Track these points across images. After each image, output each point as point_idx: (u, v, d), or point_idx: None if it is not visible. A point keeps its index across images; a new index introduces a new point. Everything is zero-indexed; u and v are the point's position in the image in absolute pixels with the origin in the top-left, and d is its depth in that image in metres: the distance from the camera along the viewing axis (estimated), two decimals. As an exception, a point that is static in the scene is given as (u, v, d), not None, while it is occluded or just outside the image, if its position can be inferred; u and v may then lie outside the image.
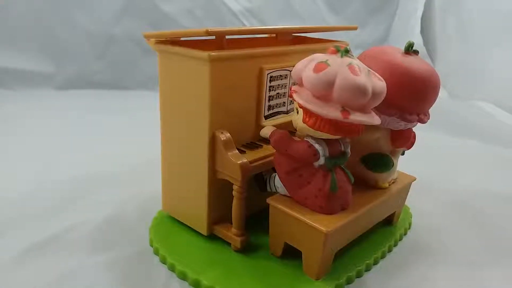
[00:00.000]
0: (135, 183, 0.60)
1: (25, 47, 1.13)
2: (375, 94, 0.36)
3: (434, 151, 0.79)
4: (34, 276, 0.41)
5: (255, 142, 0.45)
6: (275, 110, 0.47)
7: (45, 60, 1.14)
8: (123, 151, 0.71)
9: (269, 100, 0.46)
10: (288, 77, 0.47)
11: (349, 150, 0.41)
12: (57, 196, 0.56)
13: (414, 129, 0.46)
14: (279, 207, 0.41)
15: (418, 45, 0.40)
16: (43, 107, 0.99)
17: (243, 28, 0.42)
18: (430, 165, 0.71)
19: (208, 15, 1.24)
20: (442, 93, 1.22)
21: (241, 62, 0.42)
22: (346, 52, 0.37)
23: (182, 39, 0.45)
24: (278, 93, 0.47)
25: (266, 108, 0.46)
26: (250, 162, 0.41)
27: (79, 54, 1.16)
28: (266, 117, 0.46)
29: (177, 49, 0.41)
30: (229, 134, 0.41)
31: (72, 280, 0.40)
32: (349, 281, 0.42)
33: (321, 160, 0.39)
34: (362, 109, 0.37)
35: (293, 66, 0.38)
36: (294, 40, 0.55)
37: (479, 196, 0.62)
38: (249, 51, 0.42)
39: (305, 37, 0.56)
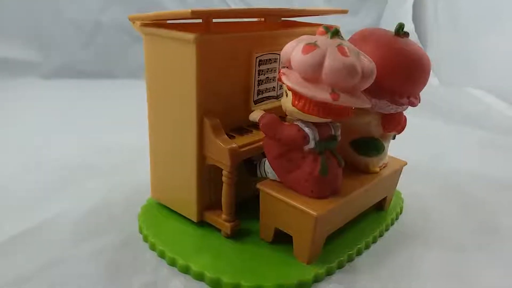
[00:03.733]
0: (124, 171, 0.59)
1: (11, 35, 1.10)
2: (365, 76, 0.35)
3: (425, 136, 0.79)
4: (20, 263, 0.40)
5: (245, 127, 0.44)
6: (265, 94, 0.46)
7: (31, 49, 1.12)
8: (111, 140, 0.70)
9: (258, 84, 0.45)
10: (278, 61, 0.46)
11: (339, 134, 0.40)
12: (44, 184, 0.55)
13: (405, 114, 0.45)
14: (269, 192, 0.40)
15: (410, 31, 0.40)
16: (30, 96, 0.97)
17: (230, 8, 0.41)
18: (421, 150, 0.71)
19: (197, 1, 1.22)
20: (433, 80, 1.23)
21: (229, 45, 0.41)
22: (335, 33, 0.36)
23: (168, 22, 0.44)
24: (268, 77, 0.46)
25: (256, 92, 0.45)
26: (240, 147, 0.41)
27: (66, 42, 1.14)
28: (256, 102, 0.46)
29: (162, 31, 0.40)
30: (217, 119, 0.41)
31: (61, 268, 0.40)
32: (340, 265, 0.41)
33: (311, 144, 0.38)
34: (352, 92, 0.36)
35: (283, 50, 0.38)
36: (283, 24, 0.54)
37: (470, 181, 0.62)
38: (237, 34, 0.42)
39: (294, 21, 0.55)
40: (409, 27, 1.35)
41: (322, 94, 0.35)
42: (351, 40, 0.43)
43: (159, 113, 0.44)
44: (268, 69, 0.45)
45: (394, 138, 0.48)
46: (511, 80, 1.07)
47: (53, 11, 1.12)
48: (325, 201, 0.39)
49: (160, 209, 0.48)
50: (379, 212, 0.50)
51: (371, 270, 0.42)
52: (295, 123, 0.39)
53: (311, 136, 0.38)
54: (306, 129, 0.38)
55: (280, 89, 0.48)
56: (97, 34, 1.16)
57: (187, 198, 0.44)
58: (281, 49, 0.38)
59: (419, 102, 0.43)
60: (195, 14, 0.36)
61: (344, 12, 0.52)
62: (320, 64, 0.34)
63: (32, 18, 1.11)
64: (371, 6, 1.47)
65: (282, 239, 0.42)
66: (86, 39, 1.15)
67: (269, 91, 0.47)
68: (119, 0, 1.16)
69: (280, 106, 0.40)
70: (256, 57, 0.44)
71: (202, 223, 0.45)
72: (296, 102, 0.36)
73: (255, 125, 0.43)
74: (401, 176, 0.51)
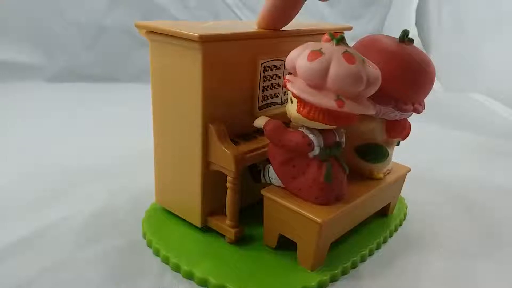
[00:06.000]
0: (127, 175, 0.59)
1: (16, 39, 1.11)
2: (370, 83, 0.36)
3: (429, 142, 0.79)
4: (24, 267, 0.40)
5: (249, 133, 0.44)
6: (269, 101, 0.47)
7: (35, 52, 1.12)
8: (114, 144, 0.70)
9: (263, 90, 0.45)
10: (283, 67, 0.46)
11: (344, 140, 0.40)
12: (48, 188, 0.55)
13: (409, 121, 0.45)
14: (274, 198, 0.40)
15: (413, 36, 0.40)
16: (33, 99, 0.97)
17: (237, 32, 0.41)
18: (425, 156, 0.71)
19: (200, 5, 1.23)
20: (436, 85, 1.23)
21: (234, 52, 0.41)
22: (341, 40, 0.36)
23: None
24: (272, 83, 0.46)
25: (260, 98, 0.45)
26: (244, 153, 0.41)
27: (70, 46, 1.14)
28: (260, 108, 0.46)
29: (168, 37, 0.40)
30: (222, 125, 0.41)
31: (63, 272, 0.40)
32: (344, 272, 0.41)
33: (316, 151, 0.38)
34: (357, 98, 0.36)
35: (288, 56, 0.38)
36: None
37: (474, 187, 0.62)
38: (243, 40, 0.42)
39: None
40: (412, 32, 1.35)
41: (327, 101, 0.35)
42: (356, 46, 0.43)
43: (164, 118, 0.44)
44: (273, 75, 0.46)
45: (398, 144, 0.48)
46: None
47: (57, 14, 1.12)
48: (329, 207, 0.39)
49: (164, 214, 0.48)
50: (383, 218, 0.50)
51: (375, 276, 0.42)
52: (300, 129, 0.39)
53: (315, 143, 0.38)
54: (311, 136, 0.38)
55: (284, 95, 0.48)
56: (100, 38, 1.16)
57: (191, 204, 0.44)
58: (286, 56, 0.38)
59: (424, 108, 0.43)
60: (202, 38, 0.36)
61: (348, 29, 0.52)
62: (325, 71, 0.34)
63: (36, 21, 1.11)
64: (374, 11, 1.47)
65: (286, 246, 0.42)
66: (90, 43, 1.16)
67: (274, 97, 0.47)
68: (123, 3, 1.16)
69: (285, 112, 0.40)
70: (261, 63, 0.44)
71: (206, 229, 0.45)
72: (301, 109, 0.36)
73: (260, 131, 0.43)
74: (405, 182, 0.50)
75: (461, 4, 1.31)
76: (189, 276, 0.39)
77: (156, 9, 1.18)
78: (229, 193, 0.42)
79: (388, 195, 0.49)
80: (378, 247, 0.46)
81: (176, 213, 0.47)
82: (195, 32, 0.37)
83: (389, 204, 0.50)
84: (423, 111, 0.43)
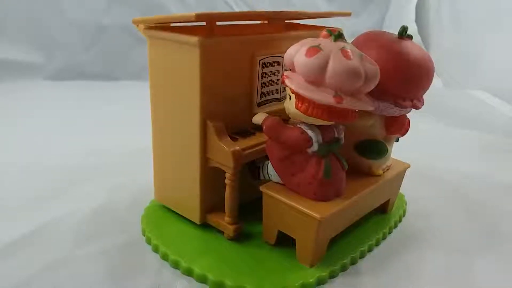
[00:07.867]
0: (127, 173, 0.59)
1: (14, 37, 1.11)
2: (368, 79, 0.35)
3: (428, 138, 0.79)
4: (23, 265, 0.40)
5: (248, 130, 0.44)
6: (268, 97, 0.46)
7: (34, 51, 1.12)
8: (114, 142, 0.70)
9: (261, 87, 0.45)
10: (281, 63, 0.46)
11: (342, 136, 0.40)
12: (47, 186, 0.55)
13: (408, 117, 0.45)
14: (272, 195, 0.40)
15: (413, 33, 0.40)
16: (33, 97, 0.97)
17: (234, 12, 0.41)
18: (424, 153, 0.70)
19: (199, 3, 1.23)
20: (436, 81, 1.23)
21: (232, 48, 0.41)
22: (339, 36, 0.36)
23: (172, 25, 0.44)
24: (271, 80, 0.46)
25: (259, 95, 0.45)
26: (243, 150, 0.41)
27: (69, 44, 1.14)
28: (259, 105, 0.46)
29: (166, 34, 0.40)
30: (221, 122, 0.41)
31: (63, 270, 0.40)
32: (344, 268, 0.41)
33: (315, 147, 0.38)
34: (356, 94, 0.36)
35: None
36: (286, 27, 0.54)
37: (474, 184, 0.62)
38: (241, 37, 0.42)
39: (298, 24, 0.55)
40: (412, 29, 1.35)
41: (326, 97, 0.35)
42: (355, 42, 0.43)
43: (163, 115, 0.44)
44: (271, 71, 0.45)
45: (397, 140, 0.48)
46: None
47: (56, 12, 1.12)
48: (328, 204, 0.39)
49: (163, 211, 0.48)
50: (382, 215, 0.50)
51: (374, 273, 0.42)
52: (298, 125, 0.39)
53: (314, 139, 0.38)
54: (309, 132, 0.38)
55: (283, 91, 0.48)
56: (100, 36, 1.16)
57: (190, 201, 0.44)
58: (284, 52, 0.38)
59: (423, 104, 0.43)
60: (199, 17, 0.36)
61: (347, 14, 0.52)
62: (323, 67, 0.34)
63: (35, 20, 1.11)
64: (374, 8, 1.47)
65: (285, 242, 0.42)
66: (89, 41, 1.15)
67: (272, 94, 0.47)
68: (122, 1, 1.16)
69: (283, 109, 0.40)
70: (259, 60, 0.44)
71: (205, 226, 0.45)
72: (300, 105, 0.36)
73: (258, 128, 0.43)
74: (404, 178, 0.50)
75: (461, 1, 1.31)
76: (188, 272, 0.39)
77: (156, 7, 1.17)
78: (228, 189, 0.42)
79: (387, 191, 0.49)
80: (377, 244, 0.46)
81: (175, 210, 0.47)
82: (193, 29, 0.37)
83: (388, 201, 0.50)
84: (422, 107, 0.43)
